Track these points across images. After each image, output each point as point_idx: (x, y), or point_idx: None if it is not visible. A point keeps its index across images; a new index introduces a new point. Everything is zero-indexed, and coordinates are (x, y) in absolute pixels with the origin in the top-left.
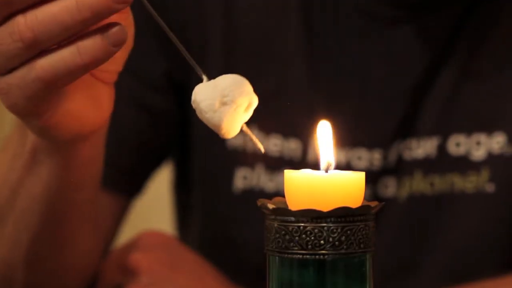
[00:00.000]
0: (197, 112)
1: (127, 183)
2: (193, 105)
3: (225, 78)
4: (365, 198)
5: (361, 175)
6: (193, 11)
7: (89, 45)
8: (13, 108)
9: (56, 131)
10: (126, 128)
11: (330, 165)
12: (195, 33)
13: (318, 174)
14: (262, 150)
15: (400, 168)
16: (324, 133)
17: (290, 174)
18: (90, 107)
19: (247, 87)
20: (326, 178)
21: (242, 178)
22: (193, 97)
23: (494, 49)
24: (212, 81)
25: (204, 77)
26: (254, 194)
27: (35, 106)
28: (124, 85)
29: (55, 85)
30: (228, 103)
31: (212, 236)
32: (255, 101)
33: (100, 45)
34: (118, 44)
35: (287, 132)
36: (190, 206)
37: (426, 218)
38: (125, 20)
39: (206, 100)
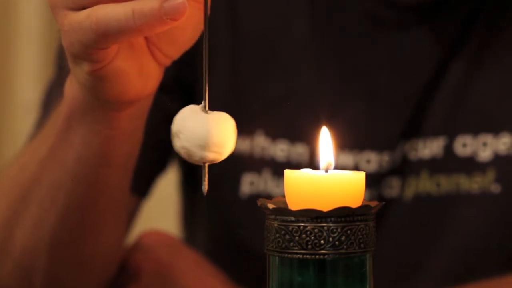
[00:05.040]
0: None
1: (139, 183)
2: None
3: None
4: (370, 199)
5: (361, 175)
6: None
7: (145, 11)
8: (69, 48)
9: (101, 85)
10: None
11: (330, 165)
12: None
13: (318, 174)
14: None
15: (405, 168)
16: (324, 134)
17: (290, 174)
18: (138, 77)
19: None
20: (326, 178)
21: (249, 184)
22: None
23: (500, 50)
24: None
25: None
26: None
27: (88, 53)
28: None
29: (106, 39)
30: None
31: (218, 238)
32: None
33: (156, 14)
34: (174, 18)
35: (294, 137)
36: (196, 206)
37: (431, 218)
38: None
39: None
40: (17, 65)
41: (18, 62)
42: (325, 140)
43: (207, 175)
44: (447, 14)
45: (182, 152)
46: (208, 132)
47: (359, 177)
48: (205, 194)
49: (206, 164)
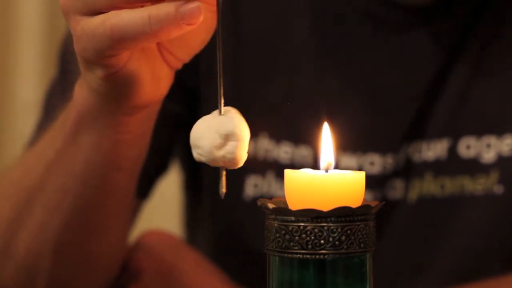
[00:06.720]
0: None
1: (140, 185)
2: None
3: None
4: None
5: (361, 175)
6: None
7: (161, 16)
8: (82, 54)
9: (114, 89)
10: None
11: (330, 165)
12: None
13: (318, 174)
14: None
15: (409, 170)
16: (325, 133)
17: (290, 174)
18: (151, 81)
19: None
20: (326, 178)
21: (253, 186)
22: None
23: (504, 51)
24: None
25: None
26: None
27: (102, 58)
28: None
29: (121, 45)
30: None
31: (221, 239)
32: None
33: (172, 19)
34: (190, 23)
35: (297, 139)
36: (199, 207)
37: (435, 220)
38: (210, 14)
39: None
40: (17, 65)
41: (18, 62)
42: (326, 140)
43: (224, 177)
44: (448, 15)
45: (200, 161)
46: (216, 131)
47: (359, 177)
48: (222, 196)
49: (222, 167)
